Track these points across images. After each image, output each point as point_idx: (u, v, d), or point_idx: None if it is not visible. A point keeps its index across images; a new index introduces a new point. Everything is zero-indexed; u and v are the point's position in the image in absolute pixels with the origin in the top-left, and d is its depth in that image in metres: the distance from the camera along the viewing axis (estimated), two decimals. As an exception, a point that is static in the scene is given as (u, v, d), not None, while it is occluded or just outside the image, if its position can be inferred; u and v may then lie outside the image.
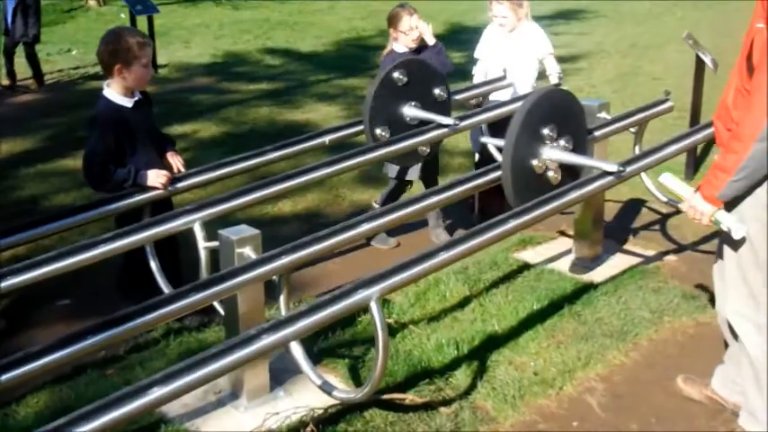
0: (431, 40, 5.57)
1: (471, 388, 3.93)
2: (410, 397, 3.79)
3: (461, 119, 4.97)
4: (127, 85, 4.22)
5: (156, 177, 4.18)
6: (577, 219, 5.24)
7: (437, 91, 5.05)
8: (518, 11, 5.61)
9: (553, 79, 5.69)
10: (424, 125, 4.93)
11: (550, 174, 4.13)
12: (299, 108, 9.60)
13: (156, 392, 2.64)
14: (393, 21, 5.58)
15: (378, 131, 4.85)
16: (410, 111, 4.96)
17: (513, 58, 5.66)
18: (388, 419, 3.68)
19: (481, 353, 4.21)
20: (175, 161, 4.43)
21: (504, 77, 5.61)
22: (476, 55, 5.95)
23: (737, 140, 3.11)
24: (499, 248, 5.33)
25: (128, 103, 4.25)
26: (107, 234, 3.83)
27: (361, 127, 4.93)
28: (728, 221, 3.31)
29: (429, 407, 3.76)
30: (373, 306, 3.10)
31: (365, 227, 3.74)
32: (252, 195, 4.19)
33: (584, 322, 4.51)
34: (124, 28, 4.47)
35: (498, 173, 4.12)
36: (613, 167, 4.05)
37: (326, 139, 4.80)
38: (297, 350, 3.43)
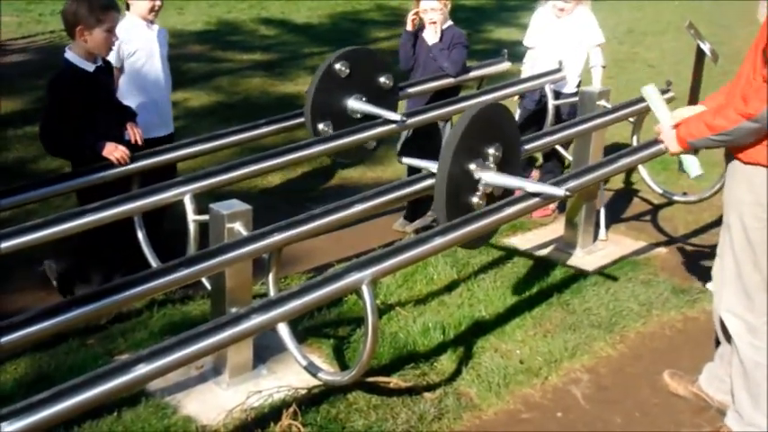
0: (431, 38, 5.30)
1: (456, 374, 3.91)
2: (394, 381, 3.76)
3: (408, 115, 4.81)
4: (88, 48, 4.07)
5: (112, 149, 4.03)
6: (570, 206, 5.21)
7: (383, 80, 4.83)
8: None
9: (596, 72, 5.59)
10: (369, 119, 4.73)
11: (476, 199, 3.79)
12: (292, 80, 9.49)
13: (142, 369, 2.59)
14: None
15: (320, 126, 4.64)
16: (355, 104, 4.75)
17: (564, 47, 5.54)
18: (371, 402, 3.65)
19: (467, 338, 4.19)
20: (135, 132, 4.26)
21: (559, 70, 5.49)
22: (525, 43, 5.82)
23: (734, 111, 3.16)
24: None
25: (89, 67, 4.10)
26: (96, 203, 3.76)
27: (302, 119, 4.71)
28: (689, 162, 3.55)
29: (413, 391, 3.74)
30: (365, 290, 3.05)
31: (358, 207, 3.69)
32: (244, 170, 4.14)
33: (573, 312, 4.49)
34: None
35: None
36: (560, 192, 3.74)
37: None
38: (283, 330, 3.39)
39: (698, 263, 5.13)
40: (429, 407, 3.64)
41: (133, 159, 4.15)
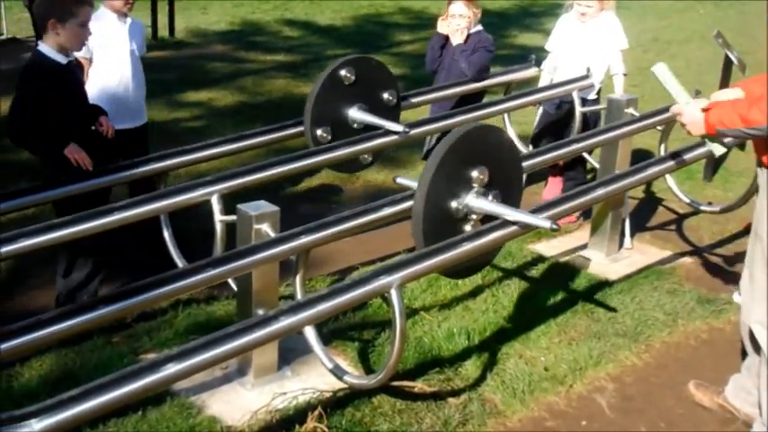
0: (456, 40, 5.30)
1: (481, 380, 3.89)
2: (419, 385, 3.75)
3: (412, 126, 4.70)
4: (60, 42, 3.99)
5: (73, 151, 3.93)
6: (596, 214, 5.18)
7: (386, 95, 4.75)
8: (604, 1, 5.43)
9: (618, 80, 5.56)
10: (370, 129, 4.63)
11: (468, 226, 3.54)
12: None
13: (171, 368, 2.59)
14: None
15: (319, 133, 4.56)
16: (357, 114, 4.66)
17: (587, 52, 5.51)
18: (396, 407, 3.64)
19: (492, 344, 4.17)
20: (107, 125, 4.20)
21: (587, 77, 5.45)
22: (547, 46, 5.80)
23: None
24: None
25: (62, 59, 4.03)
26: (123, 201, 3.78)
27: (302, 128, 4.64)
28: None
29: (437, 396, 3.73)
30: (393, 293, 3.04)
31: (387, 210, 3.68)
32: (271, 171, 4.14)
33: (598, 320, 4.46)
34: None
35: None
36: (546, 224, 3.41)
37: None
38: (310, 332, 3.38)
39: (723, 273, 5.09)
40: (454, 412, 3.63)
41: (158, 158, 4.21)
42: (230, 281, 3.76)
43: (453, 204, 3.44)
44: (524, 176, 3.93)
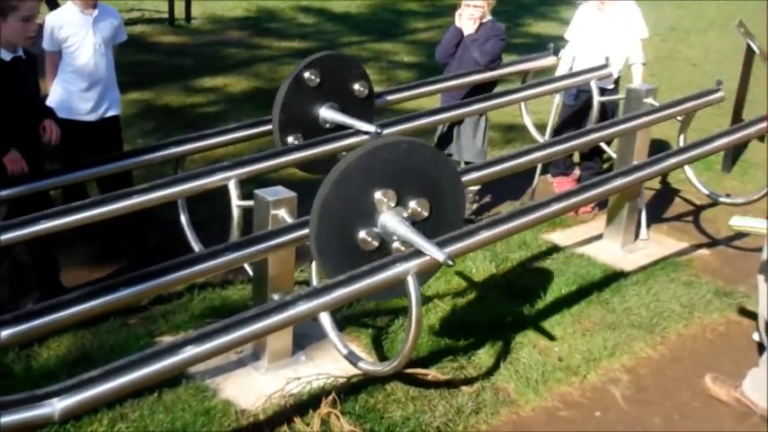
0: (467, 29, 5.23)
1: (494, 368, 3.89)
2: (432, 373, 3.76)
3: (385, 125, 4.49)
4: (4, 37, 3.79)
5: (11, 162, 3.78)
6: (612, 204, 5.16)
7: (357, 87, 4.54)
8: None
9: (637, 69, 5.52)
10: (342, 129, 4.43)
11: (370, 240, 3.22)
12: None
13: (190, 351, 2.60)
14: None
15: (289, 140, 4.39)
16: (327, 113, 4.48)
17: (606, 41, 5.48)
18: (409, 394, 3.65)
19: (505, 333, 4.17)
20: (52, 130, 4.02)
21: (606, 66, 5.41)
22: (566, 35, 5.77)
23: None
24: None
25: (5, 56, 3.82)
26: (141, 185, 3.78)
27: (269, 126, 4.47)
28: None
29: (451, 384, 3.74)
30: (410, 281, 3.04)
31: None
32: (289, 157, 4.13)
33: (612, 311, 4.45)
34: None
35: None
36: (440, 256, 3.09)
37: None
38: (325, 318, 3.39)
39: (741, 266, 5.07)
40: (466, 400, 3.64)
41: (175, 143, 4.23)
42: (246, 266, 3.77)
43: (362, 222, 3.18)
44: (464, 191, 3.58)
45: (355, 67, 4.60)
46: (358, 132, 4.36)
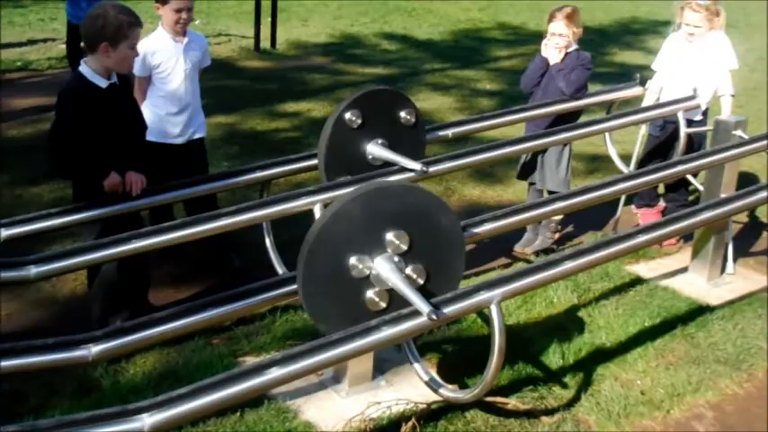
0: (553, 59, 5.24)
1: (575, 400, 3.85)
2: (513, 402, 3.74)
3: (429, 163, 4.40)
4: (108, 65, 3.90)
5: (110, 184, 3.89)
6: (698, 237, 5.07)
7: (404, 116, 4.49)
8: (713, 21, 5.33)
9: (726, 101, 5.43)
10: (388, 165, 4.41)
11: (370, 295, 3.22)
12: (413, 96, 9.42)
13: (275, 372, 2.66)
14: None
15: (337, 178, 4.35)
16: (374, 149, 4.44)
17: (694, 72, 5.42)
18: (489, 422, 3.64)
19: (587, 365, 4.12)
20: (133, 182, 3.98)
21: (693, 97, 5.35)
22: (653, 66, 5.73)
23: None
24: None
25: (101, 83, 3.91)
26: (229, 208, 3.88)
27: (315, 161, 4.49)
28: None
29: (531, 414, 3.71)
30: (494, 309, 3.05)
31: (488, 226, 3.69)
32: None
33: (697, 345, 4.36)
34: (115, 4, 3.98)
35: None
36: (426, 309, 3.02)
37: (449, 132, 4.72)
38: (408, 344, 3.41)
39: (831, 304, 4.91)
40: (547, 431, 3.60)
41: (261, 167, 4.32)
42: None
43: (356, 273, 3.16)
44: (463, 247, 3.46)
45: (401, 100, 4.55)
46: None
